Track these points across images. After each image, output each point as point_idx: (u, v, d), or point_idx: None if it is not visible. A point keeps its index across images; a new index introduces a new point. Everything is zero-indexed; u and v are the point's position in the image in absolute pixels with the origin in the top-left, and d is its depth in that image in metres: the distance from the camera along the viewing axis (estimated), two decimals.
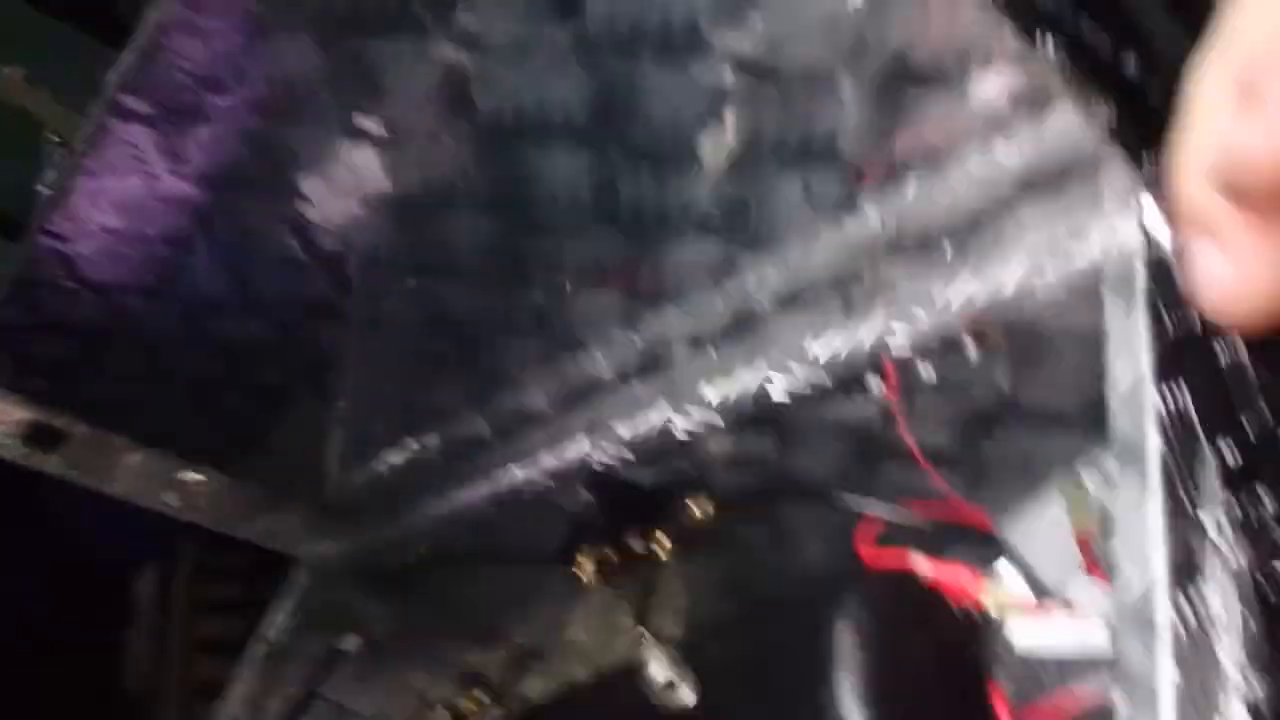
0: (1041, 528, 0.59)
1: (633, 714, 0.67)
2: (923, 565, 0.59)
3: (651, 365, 0.80)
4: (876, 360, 0.67)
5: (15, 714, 1.51)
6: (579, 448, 0.82)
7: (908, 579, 0.60)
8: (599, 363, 0.82)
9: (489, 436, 0.94)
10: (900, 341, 0.64)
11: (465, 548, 1.01)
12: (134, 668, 1.50)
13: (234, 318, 0.97)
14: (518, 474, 0.87)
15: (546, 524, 0.91)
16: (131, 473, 0.96)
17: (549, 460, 0.84)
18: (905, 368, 0.68)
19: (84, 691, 1.52)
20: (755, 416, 0.73)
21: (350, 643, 0.95)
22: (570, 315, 0.85)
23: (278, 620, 1.05)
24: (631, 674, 0.69)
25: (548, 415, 0.89)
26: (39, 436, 0.90)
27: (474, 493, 0.92)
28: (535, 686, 1.08)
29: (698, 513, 0.76)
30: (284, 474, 1.11)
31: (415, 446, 1.02)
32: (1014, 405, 0.67)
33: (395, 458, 1.04)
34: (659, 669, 0.58)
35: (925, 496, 0.73)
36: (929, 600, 0.62)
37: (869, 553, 0.65)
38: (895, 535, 0.65)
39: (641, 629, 0.66)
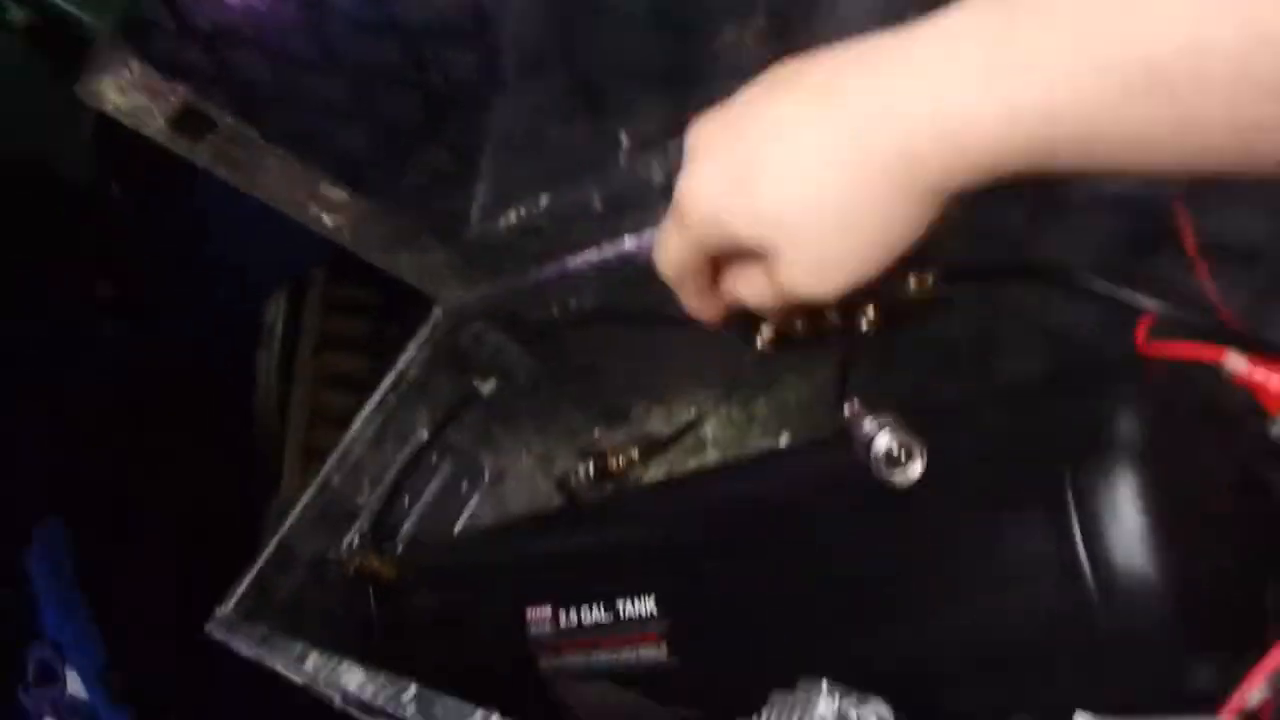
0: None
1: (834, 484, 0.59)
2: (1235, 361, 0.48)
3: None
4: None
5: (146, 429, 1.53)
6: None
7: (1201, 377, 0.50)
8: None
9: (651, 185, 0.84)
10: None
11: (620, 303, 0.93)
12: (262, 393, 1.49)
13: (372, 39, 0.88)
14: None
15: None
16: (275, 176, 0.90)
17: None
18: None
19: (215, 410, 1.53)
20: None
21: (488, 387, 0.88)
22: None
23: (411, 356, 0.99)
24: (830, 443, 0.61)
25: None
26: (188, 122, 0.84)
27: (630, 246, 0.82)
28: (695, 454, 1.02)
29: (914, 284, 0.65)
30: (427, 210, 1.04)
31: (563, 197, 0.93)
32: None
33: (545, 206, 0.96)
34: (885, 438, 0.48)
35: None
36: (1227, 406, 0.51)
37: (1149, 345, 0.53)
38: (1180, 332, 0.54)
39: (854, 398, 0.56)
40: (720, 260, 0.51)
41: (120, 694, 1.28)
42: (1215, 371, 0.52)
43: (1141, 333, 0.54)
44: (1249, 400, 0.51)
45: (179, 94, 0.84)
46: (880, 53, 0.44)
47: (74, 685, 1.31)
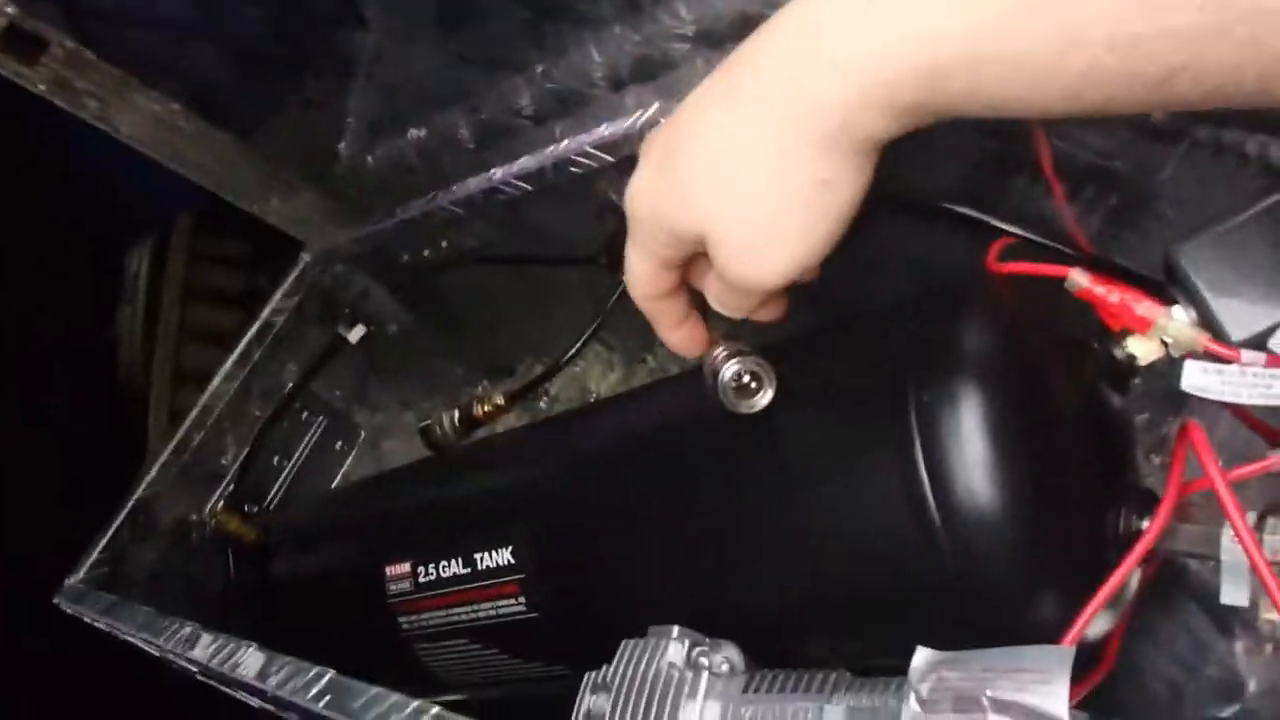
0: (1228, 269, 0.47)
1: (687, 419, 0.56)
2: (1080, 277, 0.46)
3: None
4: None
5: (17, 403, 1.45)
6: (628, 125, 0.68)
7: (1044, 294, 0.48)
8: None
9: (521, 114, 0.80)
10: None
11: (488, 243, 0.89)
12: (125, 350, 1.42)
13: None
14: (553, 156, 0.73)
15: (584, 218, 0.78)
16: (131, 110, 0.84)
17: (591, 138, 0.70)
18: None
19: (74, 368, 1.45)
20: None
21: (356, 334, 0.84)
22: None
23: (277, 305, 0.94)
24: (685, 379, 0.58)
25: (598, 88, 0.75)
26: (16, 42, 0.78)
27: (498, 180, 0.78)
28: (564, 392, 0.99)
29: None
30: (296, 149, 0.99)
31: (434, 130, 0.89)
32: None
33: (412, 142, 0.92)
34: (735, 365, 0.46)
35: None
36: (1074, 328, 0.49)
37: (997, 265, 0.52)
38: (1028, 254, 0.52)
39: (712, 330, 0.53)
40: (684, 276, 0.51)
41: None
42: (1063, 293, 0.51)
43: (993, 254, 0.52)
44: (1096, 322, 0.50)
45: (3, 11, 0.77)
46: (779, 17, 0.43)
47: None
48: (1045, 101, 0.38)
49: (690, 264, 0.51)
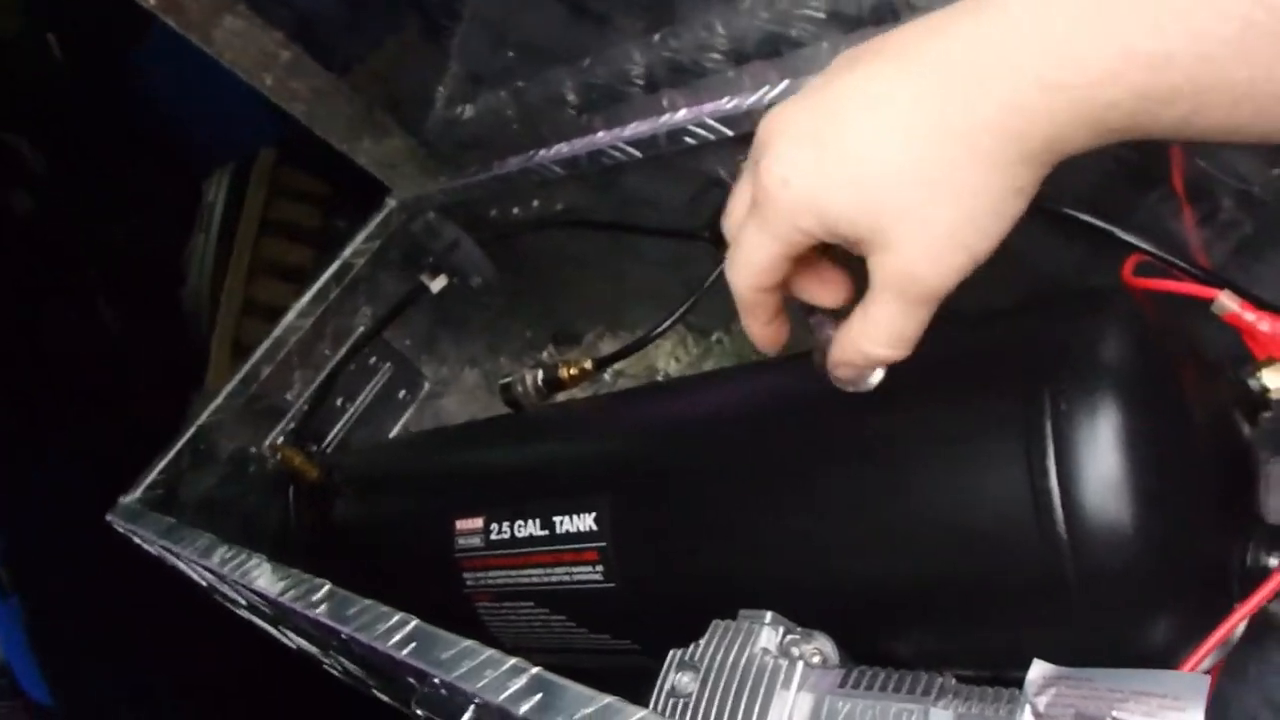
0: None
1: (791, 397, 0.55)
2: (1228, 300, 0.45)
3: None
4: None
5: (65, 307, 1.46)
6: (752, 100, 0.66)
7: (1177, 314, 0.47)
8: None
9: (632, 80, 0.79)
10: None
11: (578, 207, 0.88)
12: (194, 277, 1.42)
13: None
14: (667, 125, 0.72)
15: (691, 191, 0.77)
16: (230, 31, 0.83)
17: (711, 109, 0.69)
18: None
19: (144, 292, 1.45)
20: None
21: (438, 284, 0.83)
22: None
23: (359, 247, 0.93)
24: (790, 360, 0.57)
25: (716, 62, 0.74)
26: None
27: (605, 143, 0.77)
28: (630, 367, 0.98)
29: None
30: (393, 91, 0.98)
31: (537, 86, 0.88)
32: None
33: (513, 96, 0.90)
34: None
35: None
36: (1207, 352, 0.48)
37: (1133, 279, 0.50)
38: (1164, 274, 0.51)
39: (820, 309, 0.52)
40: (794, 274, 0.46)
41: (11, 582, 1.22)
42: (1196, 317, 0.49)
43: (1128, 268, 0.50)
44: (1228, 350, 0.49)
45: None
46: (969, 12, 0.40)
47: None
48: (1265, 128, 0.36)
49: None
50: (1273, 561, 0.45)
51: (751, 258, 0.45)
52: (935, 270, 0.41)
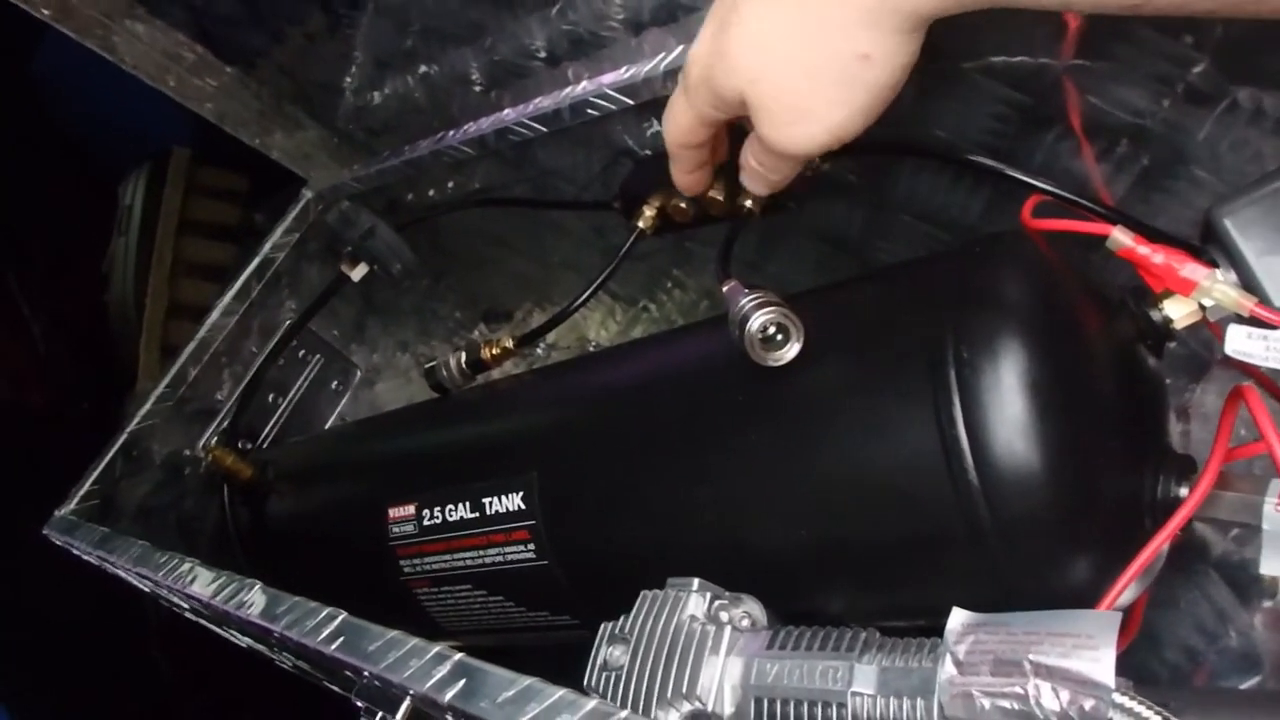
0: (1273, 234, 0.46)
1: (710, 368, 0.55)
2: (1122, 235, 0.45)
3: None
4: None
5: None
6: (649, 68, 0.66)
7: (1078, 253, 0.48)
8: None
9: (534, 55, 0.78)
10: None
11: (493, 185, 0.87)
12: (117, 281, 1.39)
13: None
14: (570, 98, 0.71)
15: (600, 162, 0.76)
16: (135, 38, 0.81)
17: (611, 80, 0.68)
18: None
19: (65, 301, 1.42)
20: None
21: (359, 272, 0.82)
22: None
23: (278, 240, 0.92)
24: (706, 327, 0.57)
25: (615, 31, 0.73)
26: None
27: (511, 121, 0.76)
28: (562, 339, 0.98)
29: None
30: (300, 83, 0.96)
31: (444, 68, 0.86)
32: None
33: (420, 80, 0.89)
34: (763, 316, 0.45)
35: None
36: (1105, 288, 0.49)
37: (1032, 221, 0.51)
38: (1064, 213, 0.51)
39: (731, 278, 0.52)
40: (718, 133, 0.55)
41: None
42: (1100, 255, 0.50)
43: (1027, 210, 0.51)
44: (1127, 284, 0.49)
45: None
46: None
47: None
48: None
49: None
50: (1183, 491, 0.46)
51: (676, 121, 0.53)
52: (786, 135, 0.47)
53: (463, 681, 0.41)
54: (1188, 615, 0.59)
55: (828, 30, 0.43)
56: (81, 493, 0.88)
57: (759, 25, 0.46)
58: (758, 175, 0.54)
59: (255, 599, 0.57)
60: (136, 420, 0.89)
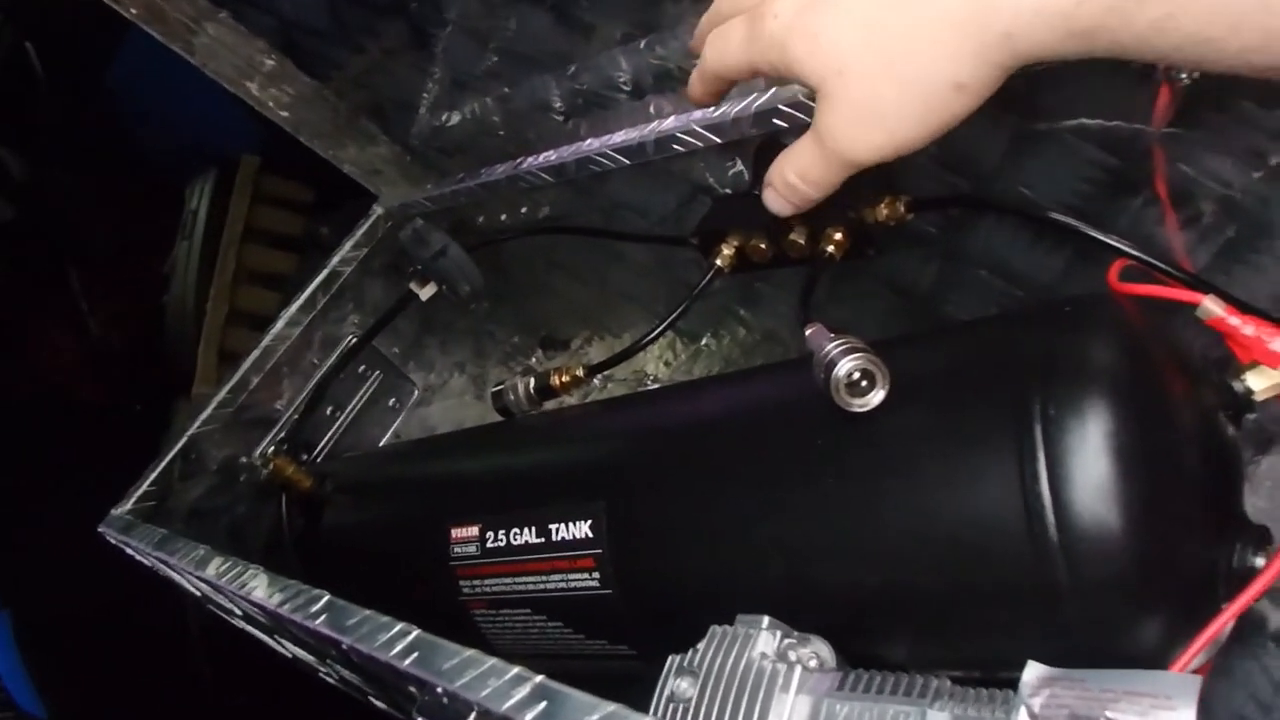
0: None
1: (789, 408, 0.55)
2: (1213, 305, 0.46)
3: None
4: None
5: (46, 316, 1.45)
6: (740, 108, 0.67)
7: (1161, 319, 0.48)
8: None
9: (619, 86, 0.79)
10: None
11: (564, 213, 0.88)
12: (179, 285, 1.41)
13: None
14: (654, 132, 0.72)
15: (677, 197, 0.77)
16: (212, 40, 0.83)
17: (699, 116, 0.69)
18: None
19: (124, 299, 1.45)
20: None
21: (427, 291, 0.83)
22: None
23: (346, 254, 0.93)
24: (789, 368, 0.58)
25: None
26: None
27: (593, 151, 0.77)
28: (618, 371, 0.98)
29: (883, 209, 0.62)
30: (378, 98, 0.98)
31: (523, 93, 0.88)
32: None
33: (499, 103, 0.90)
34: (850, 363, 0.45)
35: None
36: (1191, 357, 0.49)
37: (1119, 285, 0.51)
38: (1149, 279, 0.51)
39: (814, 321, 0.53)
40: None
41: (2, 595, 1.22)
42: (1181, 321, 0.50)
43: (1113, 274, 0.51)
44: (1213, 354, 0.50)
45: None
46: None
47: None
48: (1240, 46, 0.36)
49: None
50: (1259, 561, 0.46)
51: (726, 51, 0.52)
52: (851, 136, 0.46)
53: (543, 704, 0.42)
54: (1242, 686, 0.59)
55: (934, 49, 0.42)
56: (139, 493, 0.89)
57: (864, 18, 0.44)
58: (792, 190, 0.52)
59: (323, 609, 0.58)
60: (198, 423, 0.91)
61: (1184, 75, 0.53)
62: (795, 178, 0.51)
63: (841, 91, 0.45)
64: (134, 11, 0.83)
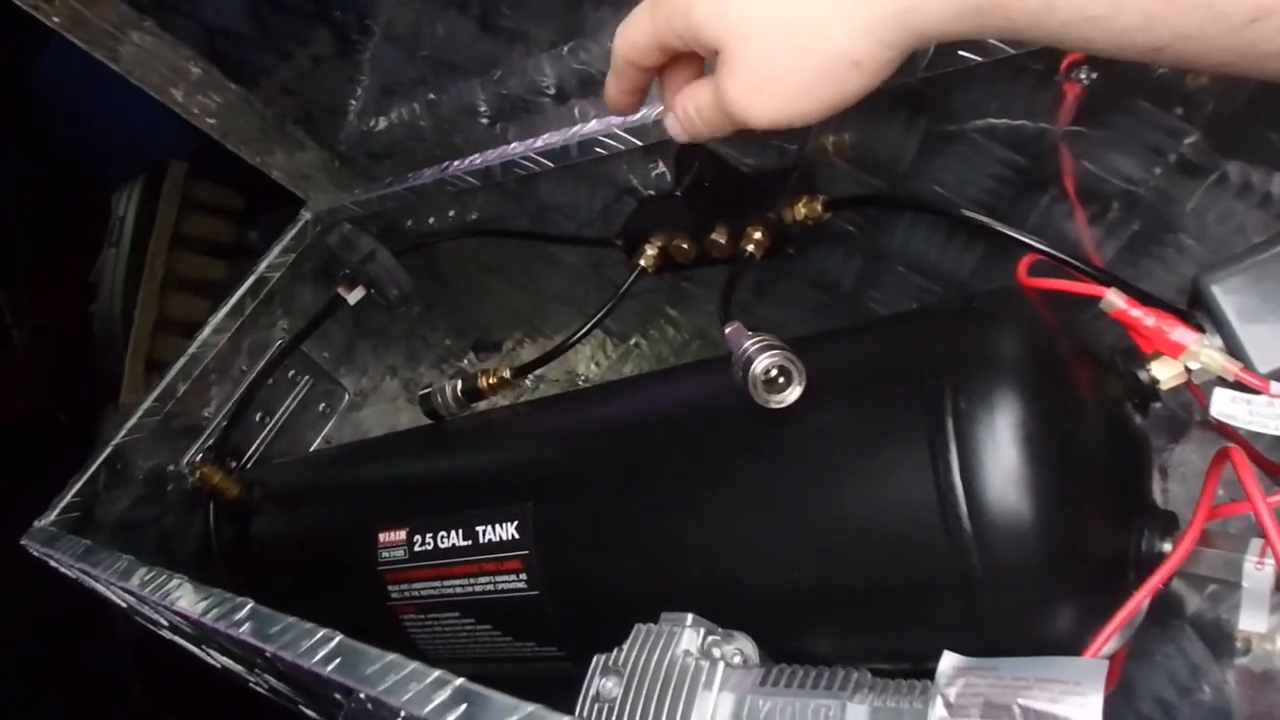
0: (1257, 301, 0.48)
1: (709, 407, 0.56)
2: (1115, 297, 0.47)
3: None
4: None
5: None
6: (660, 110, 0.67)
7: (1069, 311, 0.49)
8: None
9: (543, 91, 0.80)
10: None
11: (492, 216, 0.88)
12: (105, 292, 1.38)
13: None
14: (578, 135, 0.73)
15: (604, 199, 0.78)
16: (141, 51, 0.82)
17: (621, 120, 0.70)
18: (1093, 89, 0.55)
19: (50, 309, 1.42)
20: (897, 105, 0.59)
21: (355, 296, 0.82)
22: None
23: (274, 260, 0.92)
24: (708, 366, 0.58)
25: None
26: None
27: (518, 154, 0.78)
28: (550, 372, 0.98)
29: (802, 209, 0.63)
30: (305, 105, 0.97)
31: (450, 98, 0.88)
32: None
33: (426, 109, 0.90)
34: (767, 359, 0.46)
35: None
36: (1097, 348, 0.50)
37: (1027, 279, 0.52)
38: (1058, 273, 0.53)
39: (733, 320, 0.53)
40: (671, 66, 0.52)
41: None
42: (1092, 314, 0.51)
43: (1022, 269, 0.52)
44: (1122, 345, 0.51)
45: None
46: None
47: None
48: (1123, 24, 0.37)
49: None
50: (1166, 546, 0.47)
51: (633, 33, 0.50)
52: (747, 101, 0.46)
53: (464, 706, 0.42)
54: (1163, 669, 0.61)
55: (833, 23, 0.43)
56: (63, 504, 0.87)
57: None
58: (689, 122, 0.51)
59: (247, 617, 0.58)
60: (123, 433, 0.89)
61: (1084, 75, 0.54)
62: (694, 113, 0.51)
63: (741, 55, 0.45)
64: (56, 20, 0.81)
